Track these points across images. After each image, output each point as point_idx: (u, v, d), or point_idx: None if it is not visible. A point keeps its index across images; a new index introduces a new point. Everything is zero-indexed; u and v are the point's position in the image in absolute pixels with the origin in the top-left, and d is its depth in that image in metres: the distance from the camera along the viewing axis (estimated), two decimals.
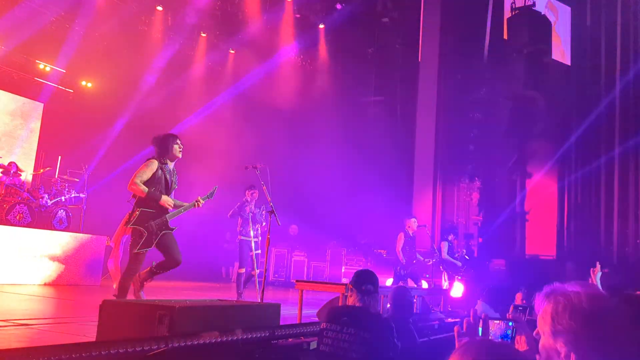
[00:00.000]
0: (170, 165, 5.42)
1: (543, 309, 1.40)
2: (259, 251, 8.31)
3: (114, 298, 4.96)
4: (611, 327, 1.31)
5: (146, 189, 5.14)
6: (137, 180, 5.14)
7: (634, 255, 12.97)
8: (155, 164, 5.27)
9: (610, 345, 1.29)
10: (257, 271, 8.16)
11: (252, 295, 7.99)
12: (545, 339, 1.37)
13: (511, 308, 2.32)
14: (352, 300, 3.54)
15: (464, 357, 1.28)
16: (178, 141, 5.43)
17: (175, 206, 5.41)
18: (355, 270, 3.92)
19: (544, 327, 1.38)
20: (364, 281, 3.53)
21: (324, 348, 3.39)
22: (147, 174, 5.20)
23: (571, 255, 14.20)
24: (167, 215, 5.32)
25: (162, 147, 5.37)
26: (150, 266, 5.34)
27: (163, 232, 5.26)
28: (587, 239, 14.14)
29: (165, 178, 5.30)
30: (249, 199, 8.26)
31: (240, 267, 8.35)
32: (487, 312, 5.86)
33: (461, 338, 1.43)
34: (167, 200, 5.26)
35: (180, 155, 5.45)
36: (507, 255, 13.60)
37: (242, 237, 8.24)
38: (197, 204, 5.47)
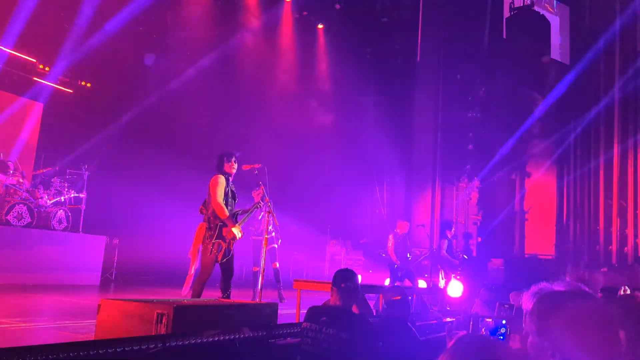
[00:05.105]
0: (229, 177, 5.89)
1: (530, 308, 1.42)
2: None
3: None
4: (594, 327, 1.33)
5: (227, 212, 5.61)
6: (221, 200, 5.59)
7: (633, 255, 12.98)
8: (223, 179, 5.70)
9: (594, 344, 1.31)
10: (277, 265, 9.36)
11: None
12: (532, 338, 1.39)
13: (497, 305, 2.34)
14: (333, 299, 3.53)
15: (455, 355, 1.30)
16: (233, 158, 5.84)
17: (243, 211, 5.95)
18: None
19: (530, 325, 1.40)
20: (343, 279, 3.51)
21: (306, 347, 3.39)
22: (221, 190, 5.65)
23: (570, 254, 14.22)
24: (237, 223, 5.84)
25: (220, 161, 5.80)
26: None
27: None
28: (586, 239, 14.16)
29: (231, 189, 5.80)
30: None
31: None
32: (485, 311, 5.90)
33: (452, 337, 1.45)
34: (236, 231, 5.65)
35: (233, 171, 5.86)
36: (505, 255, 13.62)
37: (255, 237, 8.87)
38: (258, 205, 6.07)
